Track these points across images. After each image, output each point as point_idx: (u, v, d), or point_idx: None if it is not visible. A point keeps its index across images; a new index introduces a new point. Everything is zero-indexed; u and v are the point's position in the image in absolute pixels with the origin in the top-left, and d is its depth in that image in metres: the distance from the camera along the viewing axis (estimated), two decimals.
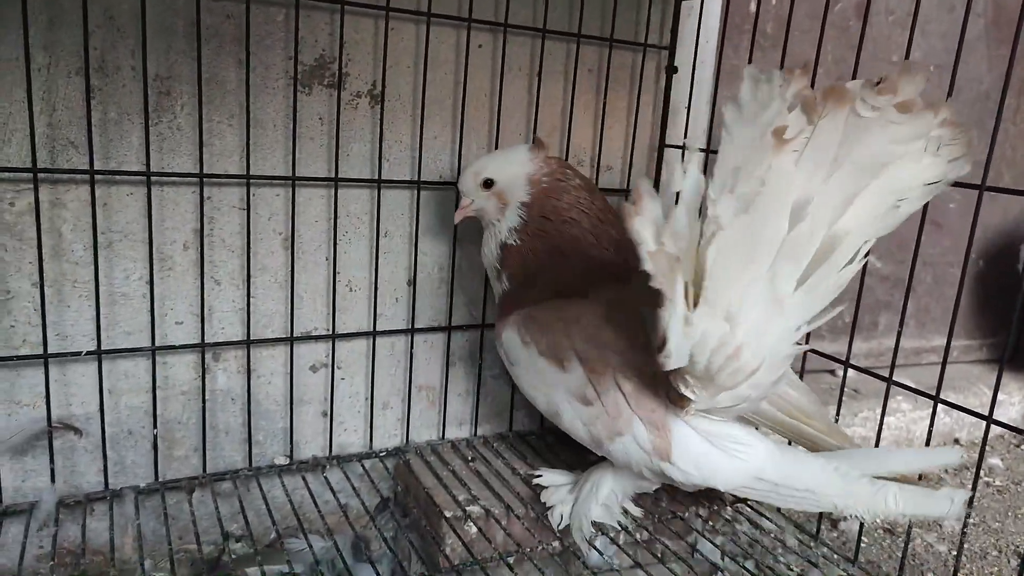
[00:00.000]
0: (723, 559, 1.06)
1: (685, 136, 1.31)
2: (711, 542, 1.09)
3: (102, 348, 1.02)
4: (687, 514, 1.14)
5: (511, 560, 1.01)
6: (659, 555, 1.09)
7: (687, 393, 0.86)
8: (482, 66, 1.20)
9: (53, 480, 1.03)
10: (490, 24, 1.18)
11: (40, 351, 0.99)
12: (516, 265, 1.07)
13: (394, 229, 1.20)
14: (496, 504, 1.08)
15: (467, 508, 1.06)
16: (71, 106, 0.97)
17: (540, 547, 1.04)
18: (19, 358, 0.99)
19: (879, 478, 0.91)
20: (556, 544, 1.05)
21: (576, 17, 1.24)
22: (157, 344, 1.06)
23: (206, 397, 1.10)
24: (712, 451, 0.93)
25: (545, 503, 1.07)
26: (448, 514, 1.05)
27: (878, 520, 0.91)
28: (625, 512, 1.04)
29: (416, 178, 1.18)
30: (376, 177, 1.15)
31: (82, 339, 1.03)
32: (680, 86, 1.32)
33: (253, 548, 1.03)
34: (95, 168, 0.97)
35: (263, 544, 1.11)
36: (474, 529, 1.05)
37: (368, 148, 1.15)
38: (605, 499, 1.02)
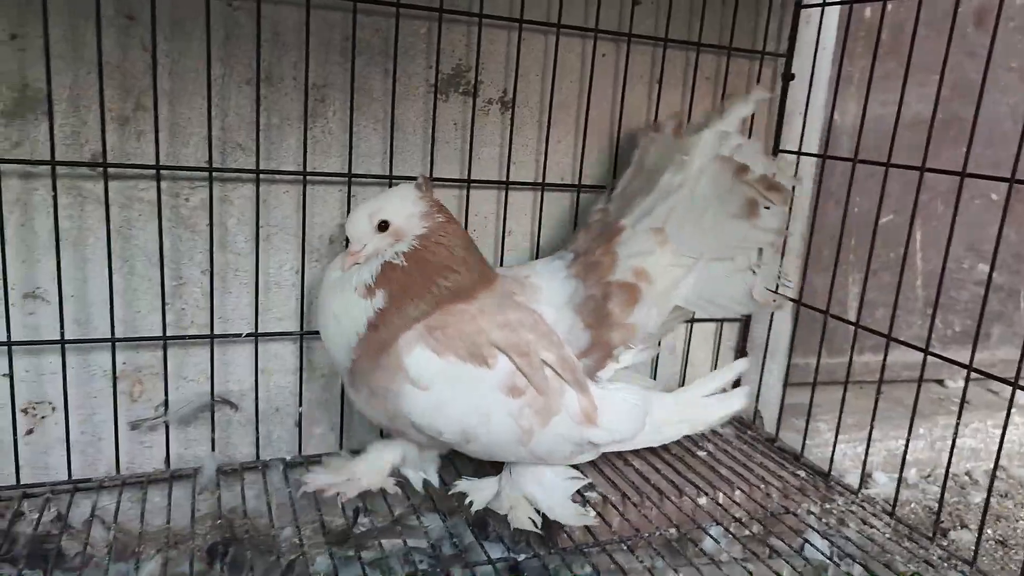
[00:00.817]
0: (833, 558, 1.09)
1: (800, 142, 1.33)
2: (820, 541, 1.11)
3: (259, 332, 1.13)
4: (799, 510, 1.17)
5: (629, 544, 1.06)
6: (769, 550, 1.12)
7: (628, 346, 1.08)
8: (605, 74, 1.26)
9: (213, 449, 1.14)
10: (615, 34, 1.24)
11: (206, 332, 1.11)
12: (397, 280, 0.98)
13: (516, 228, 1.27)
14: (612, 491, 1.13)
15: (585, 494, 1.12)
16: (241, 112, 1.08)
17: (657, 533, 1.09)
18: (189, 338, 1.11)
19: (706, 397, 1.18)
20: (673, 531, 1.10)
21: (696, 27, 1.28)
22: (304, 330, 1.16)
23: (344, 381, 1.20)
24: (622, 406, 1.08)
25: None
26: None
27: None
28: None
29: (541, 180, 1.25)
30: (504, 179, 1.23)
31: (240, 322, 1.14)
32: (795, 93, 1.35)
33: (375, 523, 1.11)
34: (260, 168, 1.08)
35: (390, 520, 1.19)
36: (592, 513, 1.10)
37: (497, 152, 1.23)
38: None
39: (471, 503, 1.06)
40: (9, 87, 0.97)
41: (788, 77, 1.34)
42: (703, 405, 1.19)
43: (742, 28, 1.32)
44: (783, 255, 1.34)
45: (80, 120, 1.01)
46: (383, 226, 0.99)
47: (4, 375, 1.03)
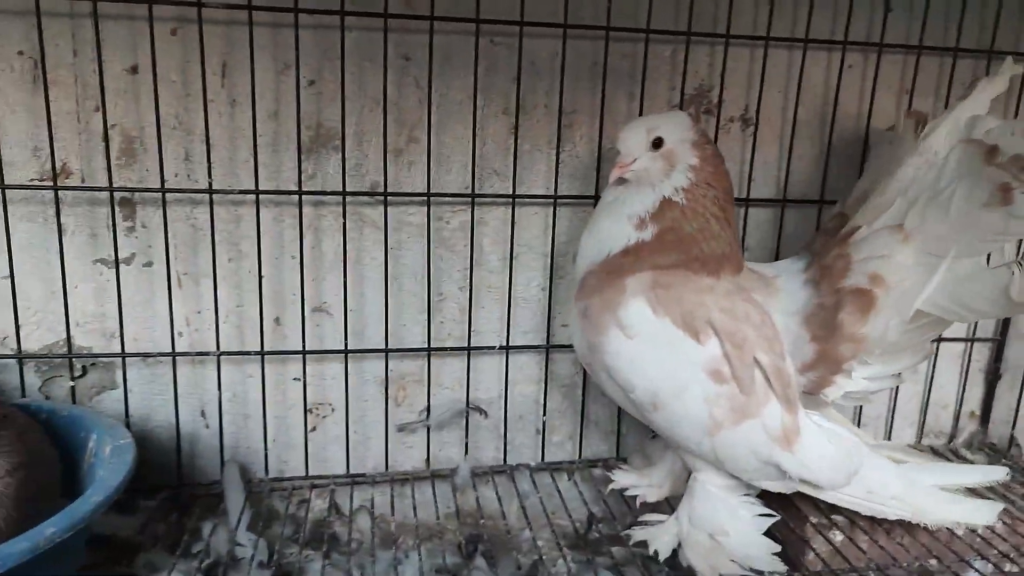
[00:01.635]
0: None
1: None
2: None
3: (510, 344, 1.21)
4: None
5: (886, 572, 1.03)
6: None
7: (863, 360, 0.99)
8: (851, 86, 1.23)
9: (466, 452, 1.24)
10: (863, 44, 1.20)
11: (463, 344, 1.20)
12: (672, 220, 0.96)
13: (755, 245, 1.27)
14: (858, 516, 1.10)
15: (831, 516, 1.10)
16: (497, 140, 1.16)
17: (917, 563, 1.05)
18: (447, 349, 1.21)
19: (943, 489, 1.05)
20: (933, 562, 1.05)
21: (953, 31, 1.21)
22: (551, 343, 1.22)
23: (585, 391, 1.25)
24: (828, 445, 0.98)
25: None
26: (813, 520, 1.10)
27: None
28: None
29: (782, 196, 1.24)
30: (745, 196, 1.23)
31: (491, 335, 1.22)
32: None
33: (613, 529, 1.15)
34: (516, 193, 1.15)
35: (622, 526, 1.23)
36: (840, 536, 1.08)
37: (737, 169, 1.23)
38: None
39: (656, 553, 1.04)
40: (307, 127, 1.10)
41: None
42: (933, 496, 1.04)
43: (1005, 28, 1.23)
44: None
45: (363, 154, 1.13)
46: (657, 143, 0.96)
47: (296, 379, 1.18)
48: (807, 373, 1.01)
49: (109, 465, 0.87)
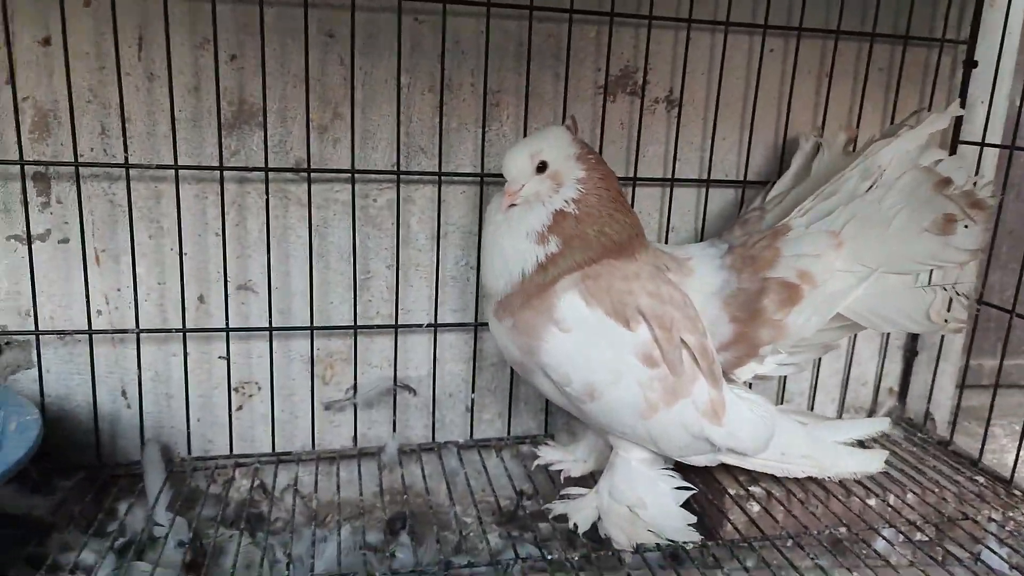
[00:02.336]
0: (1011, 571, 1.04)
1: (984, 131, 1.27)
2: (1000, 549, 1.07)
3: (438, 322, 1.21)
4: (978, 517, 1.13)
5: (797, 540, 1.06)
6: (940, 558, 1.09)
7: (775, 349, 1.06)
8: (772, 70, 1.26)
9: (394, 430, 1.24)
10: (784, 28, 1.23)
11: (391, 322, 1.20)
12: (571, 228, 0.97)
13: (680, 224, 1.29)
14: (776, 487, 1.13)
15: (749, 488, 1.13)
16: (423, 118, 1.16)
17: (827, 531, 1.08)
18: (374, 327, 1.21)
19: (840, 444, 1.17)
20: (843, 530, 1.09)
21: (870, 17, 1.25)
22: (479, 321, 1.23)
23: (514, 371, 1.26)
24: (750, 414, 1.04)
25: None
26: (731, 492, 1.13)
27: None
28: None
29: (706, 176, 1.26)
30: (670, 176, 1.25)
31: (420, 314, 1.23)
32: (977, 81, 1.29)
33: (538, 506, 1.17)
34: (442, 171, 1.16)
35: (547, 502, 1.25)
36: (757, 507, 1.11)
37: (662, 150, 1.25)
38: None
39: (576, 526, 1.06)
40: (229, 102, 1.09)
41: (971, 64, 1.28)
42: (835, 451, 1.15)
43: (920, 15, 1.27)
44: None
45: (286, 130, 1.12)
46: (542, 167, 0.98)
47: (221, 358, 1.17)
48: (723, 352, 1.06)
49: (11, 440, 0.85)
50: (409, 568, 0.99)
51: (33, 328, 1.09)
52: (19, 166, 1.03)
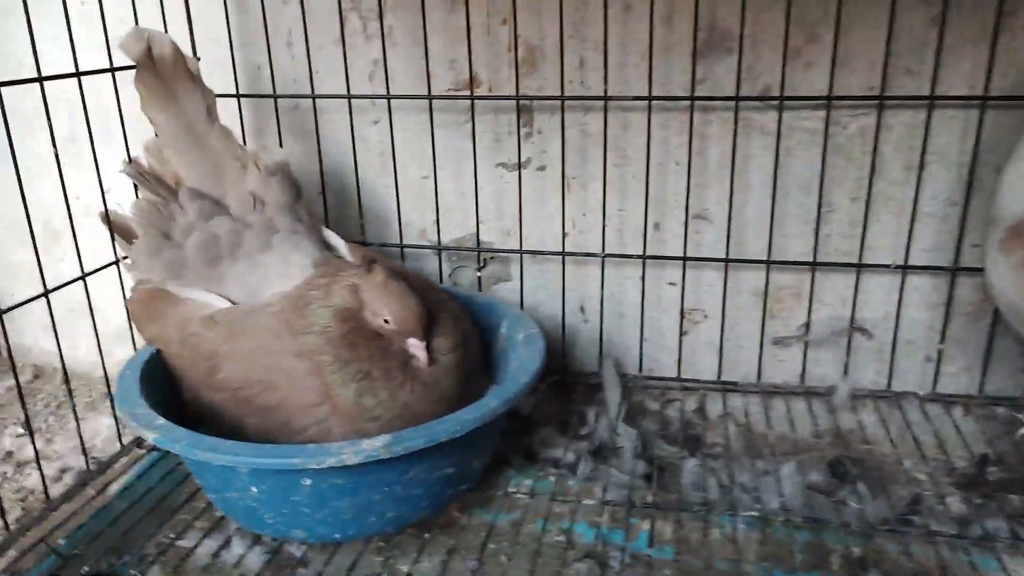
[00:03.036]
0: None
1: None
2: None
3: (907, 264, 1.10)
4: None
5: None
6: None
7: None
8: None
9: (846, 373, 1.18)
10: None
11: (848, 259, 1.12)
12: None
13: None
14: None
15: None
16: (913, 34, 1.02)
17: None
18: (833, 265, 1.14)
19: None
20: None
21: None
22: (959, 265, 1.10)
23: (995, 322, 1.11)
24: None
25: None
26: None
27: None
28: None
29: None
30: None
31: (883, 252, 1.13)
32: None
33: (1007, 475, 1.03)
34: (934, 94, 1.03)
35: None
36: None
37: None
38: None
39: None
40: (700, 29, 1.07)
41: None
42: None
43: None
44: None
45: (756, 56, 1.07)
46: None
47: (671, 284, 1.21)
48: None
49: (524, 351, 0.98)
50: (864, 518, 0.95)
51: (516, 247, 1.23)
52: (514, 100, 1.15)
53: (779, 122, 1.07)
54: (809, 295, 1.15)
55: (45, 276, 0.95)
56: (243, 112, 1.24)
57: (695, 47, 1.06)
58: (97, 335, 1.07)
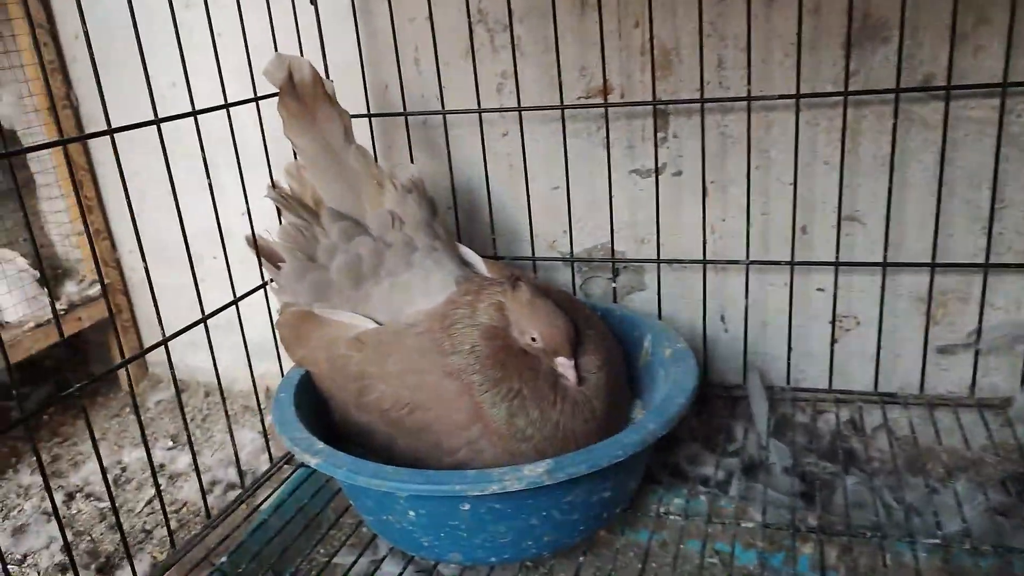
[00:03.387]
0: None
1: None
2: None
3: None
4: None
5: None
6: None
7: None
8: None
9: (1022, 383, 1.08)
10: None
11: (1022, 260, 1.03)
12: None
13: None
14: None
15: None
16: None
17: None
18: (1007, 266, 1.04)
19: None
20: None
21: None
22: None
23: None
24: None
25: None
26: None
27: None
28: None
29: None
30: None
31: None
32: None
33: None
34: None
35: None
36: None
37: None
38: None
39: None
40: (852, 19, 1.00)
41: None
42: None
43: None
44: None
45: (915, 43, 1.00)
46: None
47: (819, 290, 1.14)
48: None
49: (675, 369, 0.93)
50: None
51: (651, 256, 1.19)
52: (651, 106, 1.11)
53: (945, 113, 0.98)
54: (980, 299, 1.06)
55: (184, 299, 0.98)
56: (373, 131, 1.25)
57: (849, 38, 0.99)
58: (248, 356, 1.10)
